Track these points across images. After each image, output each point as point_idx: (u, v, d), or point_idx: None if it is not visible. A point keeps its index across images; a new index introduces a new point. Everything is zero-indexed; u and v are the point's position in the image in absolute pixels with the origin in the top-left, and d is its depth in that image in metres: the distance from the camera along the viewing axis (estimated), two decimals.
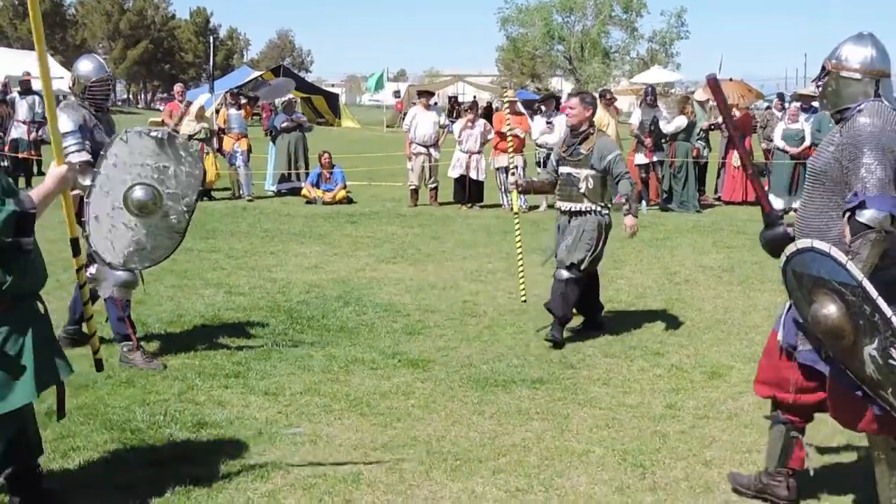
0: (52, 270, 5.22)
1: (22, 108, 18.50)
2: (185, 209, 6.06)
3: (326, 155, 16.75)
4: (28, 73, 20.63)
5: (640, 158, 16.39)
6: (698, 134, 16.62)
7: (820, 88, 4.42)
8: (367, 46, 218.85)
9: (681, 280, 9.94)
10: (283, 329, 7.67)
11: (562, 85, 67.18)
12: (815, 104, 16.26)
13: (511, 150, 9.34)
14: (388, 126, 46.57)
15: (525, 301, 8.51)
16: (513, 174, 8.52)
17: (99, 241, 5.92)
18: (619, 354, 7.06)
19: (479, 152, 16.44)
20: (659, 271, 10.44)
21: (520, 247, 8.76)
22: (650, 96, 17.03)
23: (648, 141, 16.18)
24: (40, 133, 18.71)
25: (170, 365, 6.60)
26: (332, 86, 76.92)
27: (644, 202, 16.42)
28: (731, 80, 23.47)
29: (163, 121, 18.44)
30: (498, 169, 16.24)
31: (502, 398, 6.01)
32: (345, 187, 16.81)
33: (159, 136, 5.98)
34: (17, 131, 18.38)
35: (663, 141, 16.58)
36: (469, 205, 16.34)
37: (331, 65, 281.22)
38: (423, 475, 4.80)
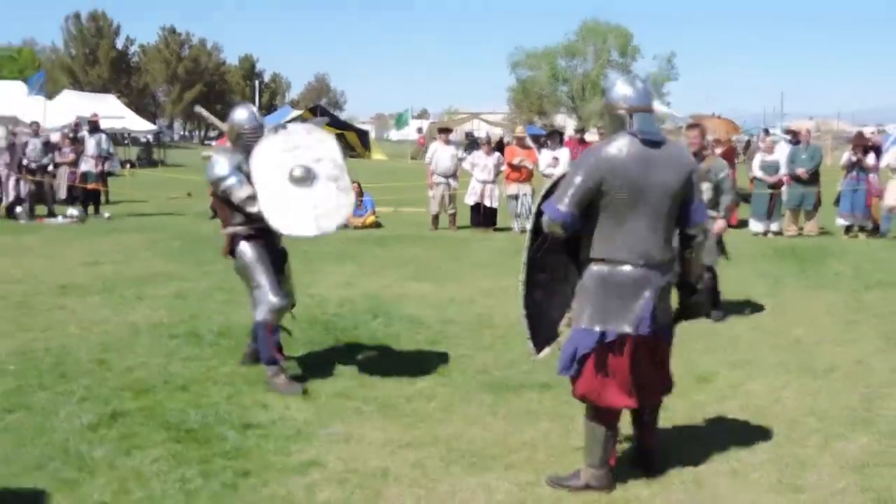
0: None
1: (90, 145, 18.63)
2: (337, 165, 6.28)
3: (356, 185, 16.75)
4: (96, 114, 20.83)
5: None
6: None
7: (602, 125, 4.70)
8: (394, 88, 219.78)
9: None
10: (320, 339, 7.67)
11: (565, 121, 67.15)
12: (800, 138, 16.27)
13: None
14: (412, 158, 46.69)
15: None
16: None
17: (285, 224, 5.97)
18: None
19: (492, 182, 16.44)
20: None
21: None
22: None
23: None
24: (107, 166, 18.86)
25: (219, 372, 6.61)
26: (363, 123, 77.37)
27: None
28: (718, 117, 23.39)
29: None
30: (509, 197, 16.24)
31: (514, 401, 5.98)
32: (374, 213, 16.83)
33: (274, 129, 6.29)
34: (86, 165, 18.49)
35: None
36: (484, 229, 16.33)
37: (362, 104, 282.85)
38: (443, 470, 4.78)
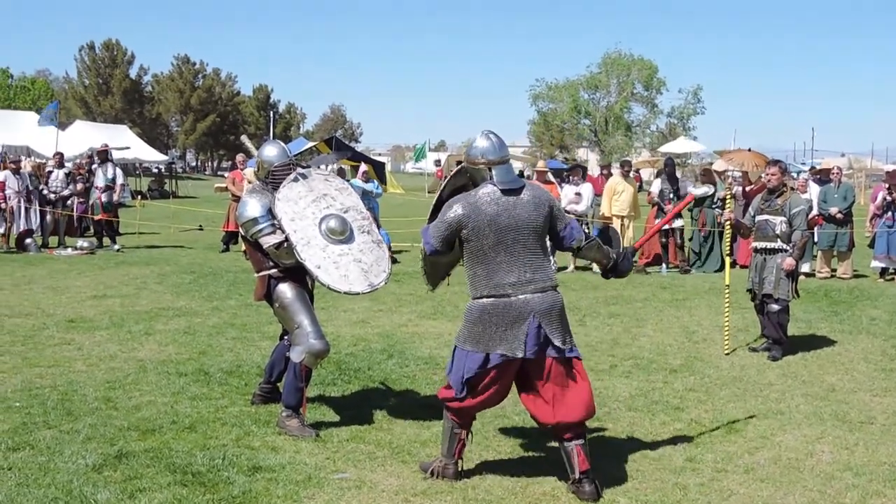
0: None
1: (100, 175, 18.70)
2: (363, 215, 6.37)
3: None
4: (105, 144, 21.06)
5: None
6: (716, 202, 16.51)
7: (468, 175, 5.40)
8: (411, 119, 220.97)
9: (699, 339, 9.80)
10: (332, 379, 7.63)
11: (587, 155, 67.34)
12: (831, 176, 16.19)
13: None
14: (429, 192, 46.74)
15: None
16: (730, 209, 9.13)
17: (337, 282, 5.95)
18: (642, 408, 6.94)
19: None
20: (679, 330, 10.31)
21: None
22: (669, 167, 17.00)
23: (668, 208, 16.09)
24: (115, 198, 18.96)
25: (228, 412, 6.58)
26: (380, 155, 77.64)
27: (664, 265, 16.31)
28: (749, 150, 23.32)
29: (226, 186, 18.66)
30: None
31: (533, 448, 5.91)
32: (390, 248, 16.82)
33: (294, 177, 6.26)
34: (94, 196, 18.58)
35: (690, 209, 16.55)
36: None
37: (378, 135, 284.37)
38: None
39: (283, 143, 6.77)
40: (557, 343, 5.11)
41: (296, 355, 6.15)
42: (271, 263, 6.28)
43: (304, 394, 6.20)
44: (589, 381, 5.28)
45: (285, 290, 6.27)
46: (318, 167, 30.25)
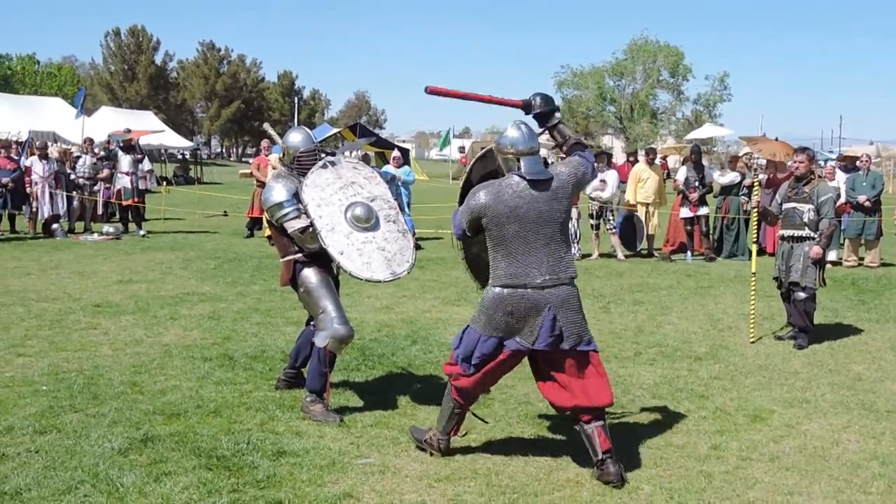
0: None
1: (125, 161, 18.76)
2: (390, 204, 6.39)
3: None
4: (129, 130, 21.23)
5: (685, 212, 16.19)
6: (743, 190, 16.40)
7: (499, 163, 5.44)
8: (436, 106, 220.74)
9: (724, 327, 9.74)
10: (356, 365, 7.65)
11: (612, 143, 66.99)
12: (859, 164, 16.05)
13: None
14: (453, 178, 46.80)
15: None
16: (757, 197, 9.31)
17: (360, 269, 5.96)
18: (667, 396, 6.91)
19: None
20: (703, 318, 10.25)
21: None
22: (695, 154, 16.88)
23: (694, 195, 15.99)
24: (141, 184, 19.05)
25: (252, 397, 6.61)
26: (404, 141, 77.67)
27: (689, 253, 16.23)
28: (776, 139, 23.13)
29: (251, 172, 18.73)
30: None
31: (557, 435, 5.91)
32: (414, 235, 16.82)
33: (322, 164, 6.28)
34: (121, 182, 18.64)
35: (714, 196, 16.44)
36: None
37: (402, 122, 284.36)
38: None
39: (308, 130, 6.81)
40: (573, 337, 5.16)
41: (320, 340, 6.16)
42: (296, 248, 6.30)
43: (328, 379, 6.21)
44: (606, 373, 5.33)
45: (310, 275, 6.29)
46: (345, 154, 30.47)
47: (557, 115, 5.70)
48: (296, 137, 6.52)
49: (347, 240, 6.01)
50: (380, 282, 6.15)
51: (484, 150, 5.78)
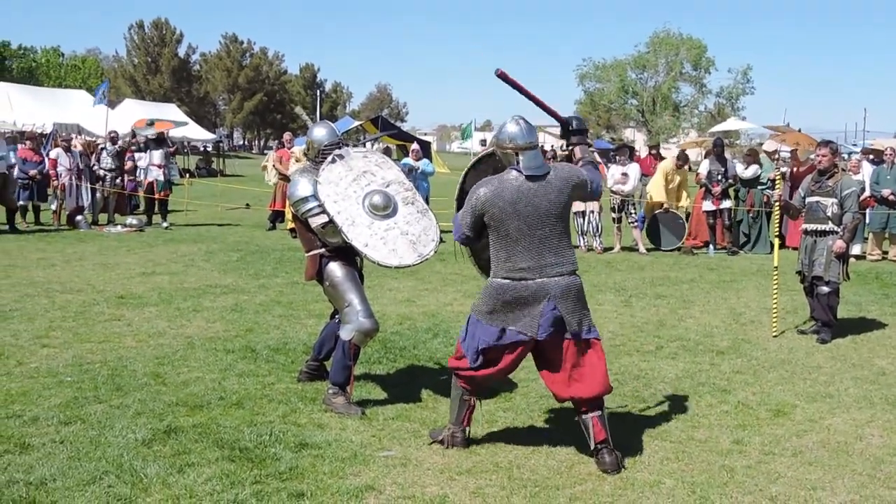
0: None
1: (157, 154, 18.82)
2: (406, 186, 6.38)
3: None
4: (153, 122, 21.32)
5: (708, 205, 16.11)
6: (766, 183, 16.29)
7: (499, 158, 5.47)
8: (457, 99, 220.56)
9: (746, 321, 9.69)
10: (378, 358, 7.66)
11: (634, 136, 66.82)
12: (886, 157, 15.90)
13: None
14: None
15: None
16: (779, 190, 9.34)
17: (387, 257, 5.98)
18: (689, 390, 6.88)
19: None
20: (726, 312, 10.20)
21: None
22: (718, 147, 16.77)
23: (716, 189, 15.90)
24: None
25: (275, 389, 6.64)
26: (425, 134, 77.64)
27: (711, 246, 16.14)
28: (799, 130, 22.99)
29: (273, 165, 18.75)
30: (575, 213, 16.13)
31: (578, 429, 5.86)
32: None
33: (331, 159, 6.27)
34: (153, 174, 18.70)
35: (734, 189, 16.33)
36: None
37: (424, 115, 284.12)
38: (504, 500, 4.71)
39: (331, 123, 6.83)
40: (573, 325, 5.24)
41: (345, 333, 6.19)
42: (321, 243, 6.32)
43: (351, 372, 6.23)
44: (605, 361, 5.38)
45: (335, 269, 6.31)
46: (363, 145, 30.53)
47: (587, 139, 5.83)
48: (320, 132, 6.54)
49: (370, 230, 6.02)
50: (409, 266, 6.16)
51: (477, 158, 5.86)
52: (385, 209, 6.13)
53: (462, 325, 5.60)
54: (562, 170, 5.40)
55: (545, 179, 5.26)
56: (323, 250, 6.33)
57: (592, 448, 5.18)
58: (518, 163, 5.28)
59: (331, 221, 6.07)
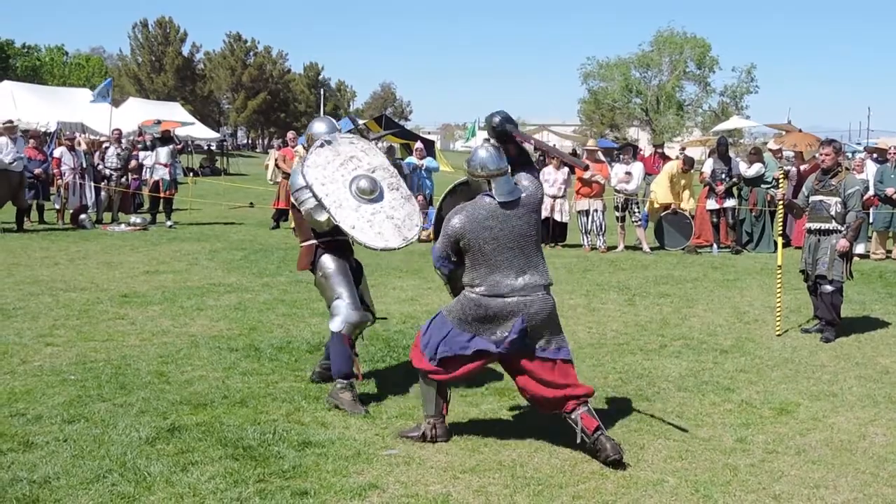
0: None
1: (163, 152, 18.83)
2: (391, 172, 6.44)
3: (421, 197, 16.80)
4: (159, 121, 21.31)
5: (712, 204, 16.09)
6: (770, 181, 16.27)
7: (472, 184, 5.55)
8: (461, 97, 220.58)
9: (750, 319, 9.68)
10: (382, 356, 7.67)
11: (638, 134, 66.72)
12: (890, 156, 15.85)
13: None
14: None
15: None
16: (783, 189, 9.28)
17: (373, 239, 6.07)
18: (692, 389, 6.88)
19: (562, 196, 16.34)
20: (729, 310, 10.19)
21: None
22: (722, 146, 16.74)
23: (720, 188, 15.88)
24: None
25: (278, 388, 6.64)
26: (429, 133, 77.60)
27: (715, 245, 16.13)
28: (800, 130, 22.95)
29: (277, 163, 18.75)
30: (580, 212, 16.13)
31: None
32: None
33: (320, 144, 6.35)
34: (159, 173, 18.70)
35: (739, 188, 16.31)
36: (552, 244, 16.23)
37: (428, 114, 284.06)
38: (507, 498, 4.71)
39: (332, 119, 6.97)
40: (542, 343, 5.37)
41: (335, 325, 6.32)
42: (317, 234, 6.45)
43: (354, 360, 6.34)
44: (575, 377, 5.49)
45: (329, 261, 6.46)
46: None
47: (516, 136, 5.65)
48: (320, 126, 6.67)
49: (357, 213, 6.13)
50: (394, 249, 6.25)
51: (452, 186, 5.96)
52: (371, 193, 6.23)
53: (429, 319, 5.73)
54: (528, 188, 5.47)
55: (517, 205, 5.38)
56: (318, 241, 6.46)
57: (591, 440, 5.20)
58: (491, 189, 5.37)
59: (319, 203, 6.14)
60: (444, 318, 5.50)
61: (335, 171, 6.22)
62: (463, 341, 5.39)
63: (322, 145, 6.35)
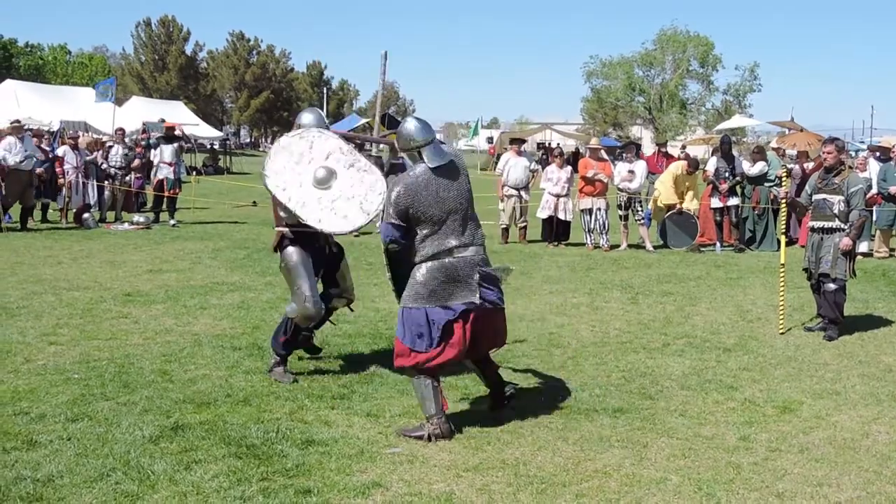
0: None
1: (168, 151, 18.84)
2: (344, 150, 6.59)
3: None
4: (163, 120, 21.28)
5: (715, 202, 16.07)
6: (774, 180, 16.24)
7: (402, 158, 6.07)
8: (464, 96, 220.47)
9: (753, 318, 9.68)
10: (384, 355, 7.66)
11: (641, 133, 66.69)
12: (893, 155, 15.83)
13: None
14: (481, 169, 46.67)
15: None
16: (786, 187, 9.28)
17: (339, 225, 6.37)
18: (695, 387, 6.88)
19: (566, 195, 16.34)
20: (732, 309, 10.19)
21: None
22: (725, 145, 16.72)
23: (723, 186, 15.86)
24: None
25: (281, 386, 6.65)
26: None
27: (719, 244, 16.11)
28: (802, 130, 22.98)
29: None
30: (583, 211, 16.12)
31: (585, 426, 5.89)
32: None
33: (281, 144, 6.60)
34: (163, 172, 18.72)
35: (742, 186, 16.28)
36: (556, 243, 16.23)
37: (431, 112, 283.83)
38: (510, 497, 4.71)
39: (319, 110, 7.16)
40: (496, 292, 5.72)
41: (290, 311, 6.73)
42: (286, 223, 6.70)
43: (292, 345, 6.91)
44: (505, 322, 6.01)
45: (292, 253, 6.76)
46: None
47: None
48: (308, 117, 6.88)
49: (319, 205, 6.34)
50: (362, 226, 6.56)
51: (386, 173, 6.61)
52: (329, 181, 6.43)
53: (397, 325, 5.84)
54: (458, 156, 5.94)
55: (451, 167, 5.71)
56: (286, 231, 6.72)
57: (506, 393, 5.95)
58: (423, 158, 5.68)
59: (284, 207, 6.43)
60: (410, 308, 5.64)
61: (292, 172, 6.43)
62: (441, 311, 5.56)
63: (277, 151, 6.57)
